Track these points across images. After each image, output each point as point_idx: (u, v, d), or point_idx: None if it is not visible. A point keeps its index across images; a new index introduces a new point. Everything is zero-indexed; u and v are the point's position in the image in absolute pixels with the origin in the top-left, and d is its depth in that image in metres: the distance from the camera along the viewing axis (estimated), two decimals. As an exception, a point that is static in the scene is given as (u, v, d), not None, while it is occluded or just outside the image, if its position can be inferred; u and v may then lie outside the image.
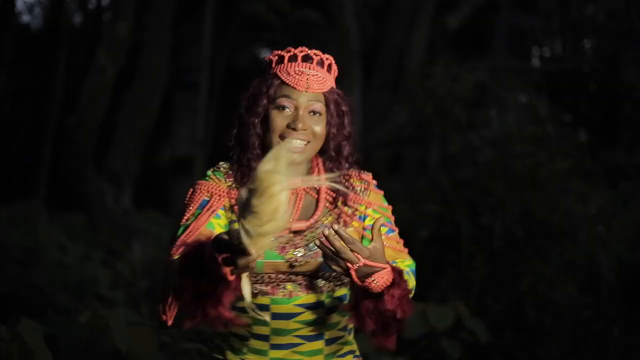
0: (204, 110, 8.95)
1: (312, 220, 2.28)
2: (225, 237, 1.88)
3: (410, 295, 2.22)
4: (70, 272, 6.02)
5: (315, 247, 2.24)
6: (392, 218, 2.42)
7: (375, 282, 2.10)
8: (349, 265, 2.08)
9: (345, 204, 2.34)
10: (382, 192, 2.42)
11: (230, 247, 1.86)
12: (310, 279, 2.27)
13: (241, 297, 2.02)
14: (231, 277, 1.91)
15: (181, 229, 2.26)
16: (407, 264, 2.39)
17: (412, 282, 2.32)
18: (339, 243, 2.07)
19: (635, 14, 12.75)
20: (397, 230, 2.41)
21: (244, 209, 1.82)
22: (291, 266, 2.25)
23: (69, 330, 3.07)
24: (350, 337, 2.38)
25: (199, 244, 2.01)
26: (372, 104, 8.56)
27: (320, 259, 2.23)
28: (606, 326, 6.72)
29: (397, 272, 2.15)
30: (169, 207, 9.20)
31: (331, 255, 2.09)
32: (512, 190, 6.46)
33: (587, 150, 7.31)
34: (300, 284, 2.27)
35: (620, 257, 7.38)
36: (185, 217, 2.28)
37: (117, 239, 7.42)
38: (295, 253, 2.25)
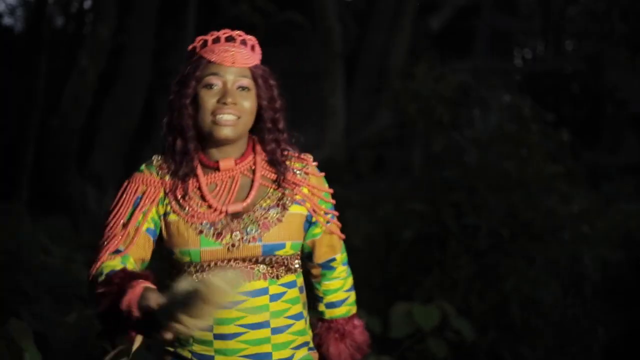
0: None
1: (247, 201, 2.29)
2: (154, 306, 1.97)
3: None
4: (54, 274, 5.98)
5: (253, 230, 2.26)
6: (333, 202, 2.45)
7: None
8: None
9: (284, 186, 2.34)
10: (322, 174, 2.44)
11: (150, 323, 1.99)
12: (251, 264, 2.27)
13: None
14: (133, 335, 2.09)
15: (108, 231, 2.28)
16: (342, 259, 2.51)
17: (349, 283, 2.55)
18: None
19: (616, 15, 12.83)
20: (337, 214, 2.46)
21: (180, 301, 1.91)
22: (229, 251, 2.25)
23: (56, 330, 3.06)
24: (304, 327, 2.37)
25: (122, 285, 2.08)
26: (356, 105, 8.59)
27: (259, 243, 2.25)
28: (590, 325, 6.76)
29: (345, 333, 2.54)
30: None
31: None
32: (497, 190, 6.49)
33: (570, 150, 7.36)
34: (243, 270, 2.26)
35: (604, 256, 7.44)
36: (115, 215, 2.30)
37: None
38: (232, 237, 2.25)
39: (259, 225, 2.26)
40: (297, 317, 2.33)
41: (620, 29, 12.65)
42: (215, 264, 2.25)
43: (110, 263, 2.22)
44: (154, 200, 2.31)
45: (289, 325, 2.31)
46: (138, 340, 2.11)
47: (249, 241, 2.25)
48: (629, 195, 9.67)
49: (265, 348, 2.27)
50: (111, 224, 2.28)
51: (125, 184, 2.35)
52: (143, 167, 2.37)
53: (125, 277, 2.11)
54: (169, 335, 1.97)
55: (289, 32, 9.58)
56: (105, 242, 2.26)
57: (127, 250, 2.26)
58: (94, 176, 8.10)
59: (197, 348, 2.29)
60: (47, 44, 8.92)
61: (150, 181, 2.33)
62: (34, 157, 8.55)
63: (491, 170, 6.56)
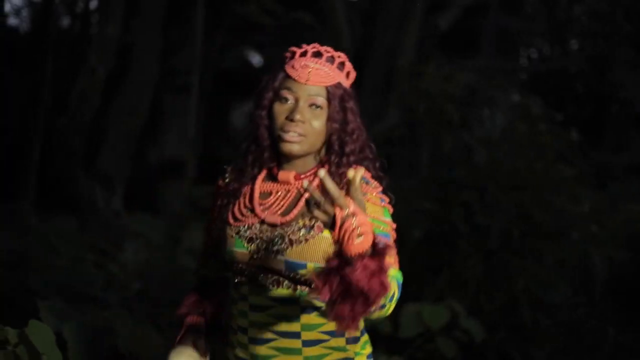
0: (195, 111, 8.95)
1: (287, 218, 2.27)
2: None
3: (387, 287, 1.98)
4: (62, 273, 5.98)
5: (278, 244, 2.24)
6: (391, 234, 2.27)
7: (359, 235, 1.92)
8: (337, 212, 1.92)
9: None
10: (384, 206, 2.29)
11: None
12: (282, 277, 2.26)
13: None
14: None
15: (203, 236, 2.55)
16: (393, 274, 2.16)
17: (393, 287, 2.11)
18: (332, 184, 1.93)
19: (620, 14, 12.79)
20: (389, 243, 2.15)
21: None
22: (252, 257, 2.27)
23: (72, 331, 3.06)
24: (344, 345, 2.30)
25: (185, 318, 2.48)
26: (363, 104, 8.55)
27: (281, 257, 2.23)
28: (599, 325, 6.75)
29: (379, 247, 1.97)
30: (160, 209, 9.19)
31: (318, 201, 1.94)
32: (506, 190, 6.47)
33: (578, 149, 7.34)
34: (271, 278, 2.27)
35: (611, 256, 7.42)
36: (207, 222, 2.53)
37: (109, 241, 7.39)
38: (259, 245, 2.27)
39: (284, 240, 2.24)
40: (334, 333, 2.27)
41: (625, 29, 12.61)
42: (246, 268, 2.29)
43: (202, 270, 2.56)
44: (220, 209, 2.42)
45: (324, 340, 2.28)
46: None
47: (272, 253, 2.25)
48: (634, 195, 9.64)
49: (297, 359, 2.27)
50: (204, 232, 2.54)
51: (213, 193, 2.51)
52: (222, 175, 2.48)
53: (189, 312, 2.49)
54: None
55: (297, 32, 9.57)
56: (201, 249, 2.57)
57: (213, 257, 2.51)
58: (102, 176, 8.09)
59: (238, 351, 2.33)
60: (54, 43, 8.93)
61: (219, 190, 2.44)
62: (41, 156, 8.56)
63: (501, 169, 6.56)
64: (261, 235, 2.27)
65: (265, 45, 11.44)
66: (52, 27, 8.78)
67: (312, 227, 2.25)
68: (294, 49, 2.35)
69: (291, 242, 2.24)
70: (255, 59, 14.55)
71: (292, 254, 2.23)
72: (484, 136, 7.07)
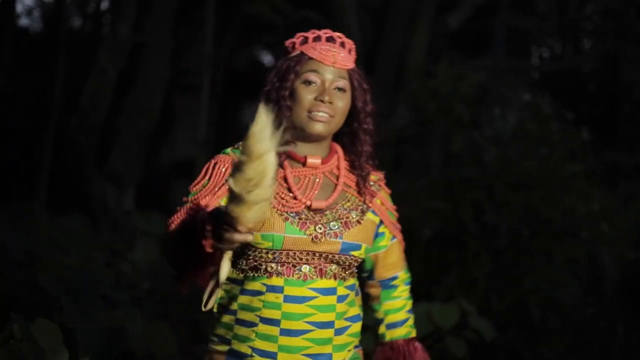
0: (206, 112, 8.96)
1: (330, 200, 2.32)
2: (223, 207, 1.92)
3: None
4: (72, 273, 5.98)
5: (336, 226, 2.29)
6: (397, 216, 2.49)
7: None
8: None
9: (363, 193, 2.38)
10: (389, 191, 2.48)
11: (222, 217, 1.90)
12: (326, 263, 2.29)
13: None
14: (209, 249, 1.95)
15: (189, 197, 2.28)
16: (404, 278, 2.51)
17: (409, 305, 2.51)
18: None
19: (633, 13, 12.75)
20: (400, 235, 2.48)
21: (234, 171, 1.83)
22: (312, 242, 2.27)
23: (84, 330, 3.06)
24: (359, 330, 2.40)
25: (198, 211, 2.09)
26: (374, 103, 8.56)
27: (339, 240, 2.28)
28: (610, 324, 6.72)
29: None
30: (170, 209, 9.21)
31: None
32: (516, 189, 6.46)
33: (589, 148, 7.32)
34: (316, 267, 2.28)
35: (622, 255, 7.39)
36: (194, 186, 2.30)
37: (119, 241, 7.41)
38: (316, 229, 2.28)
39: (341, 222, 2.31)
40: (354, 319, 2.36)
41: (637, 28, 12.56)
42: (294, 253, 2.27)
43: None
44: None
45: (348, 327, 2.35)
46: (225, 266, 2.00)
47: (331, 236, 2.28)
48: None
49: (327, 349, 2.31)
50: (196, 199, 2.26)
51: (213, 162, 2.35)
52: (229, 150, 2.37)
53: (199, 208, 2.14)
54: (243, 229, 1.87)
55: (306, 31, 9.56)
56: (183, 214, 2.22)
57: None
58: (113, 175, 8.11)
59: (259, 344, 2.30)
60: (65, 44, 8.97)
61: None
62: (53, 156, 8.60)
63: (511, 169, 6.55)
64: (314, 220, 2.29)
65: (275, 44, 11.47)
66: (63, 28, 8.82)
67: (357, 209, 2.35)
68: (304, 34, 2.37)
69: (347, 225, 2.31)
70: (266, 59, 14.60)
71: (349, 236, 2.30)
72: (495, 135, 7.06)
